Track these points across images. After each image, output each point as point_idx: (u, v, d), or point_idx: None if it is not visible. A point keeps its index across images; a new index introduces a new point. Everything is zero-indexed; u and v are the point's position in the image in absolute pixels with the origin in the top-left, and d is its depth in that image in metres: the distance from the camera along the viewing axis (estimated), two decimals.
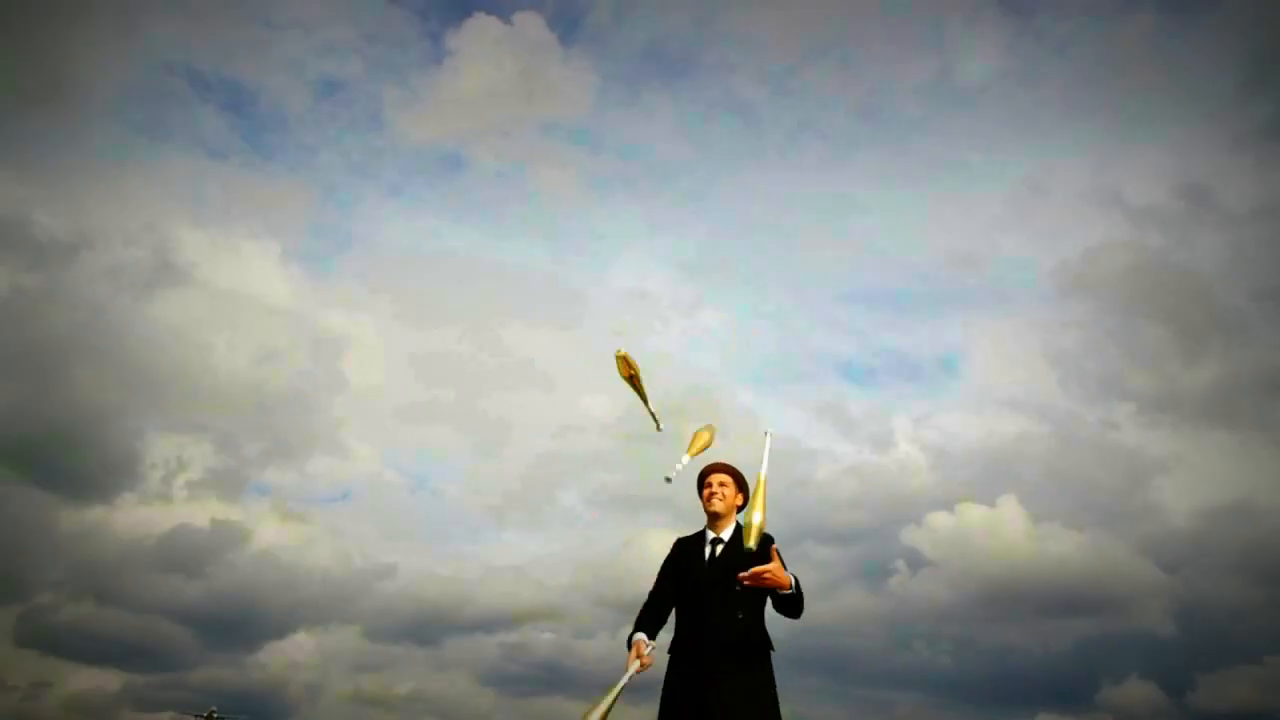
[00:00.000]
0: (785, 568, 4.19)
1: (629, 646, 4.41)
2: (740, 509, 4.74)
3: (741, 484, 4.76)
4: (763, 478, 4.49)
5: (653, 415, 4.95)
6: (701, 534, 4.69)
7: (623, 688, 4.07)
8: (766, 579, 4.06)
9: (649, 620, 4.57)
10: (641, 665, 4.24)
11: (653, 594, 4.66)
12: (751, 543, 4.23)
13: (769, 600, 4.33)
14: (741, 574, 4.06)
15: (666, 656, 4.46)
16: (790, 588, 4.16)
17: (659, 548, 4.88)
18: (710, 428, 4.95)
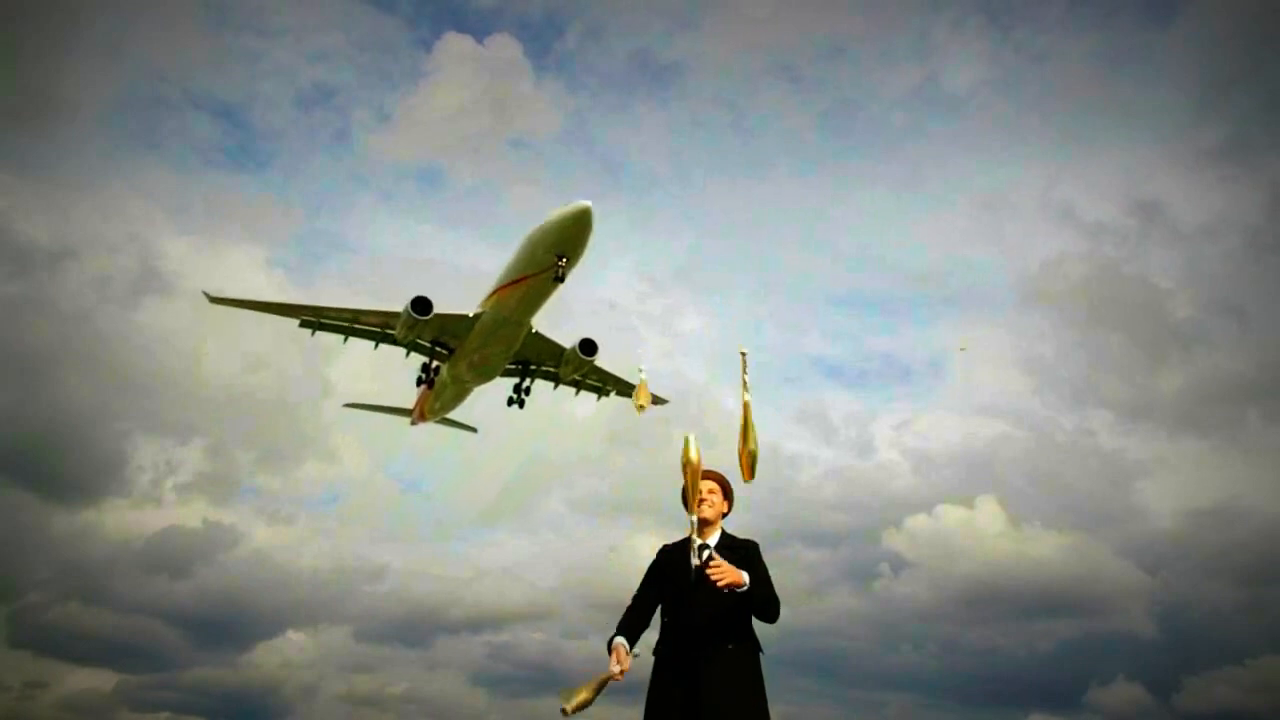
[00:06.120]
0: (761, 571, 4.96)
1: (609, 650, 5.00)
2: (726, 515, 5.33)
3: (728, 492, 5.34)
4: (747, 400, 5.09)
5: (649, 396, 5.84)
6: (687, 541, 5.15)
7: (603, 682, 4.73)
8: (722, 577, 4.68)
9: (631, 624, 5.12)
10: (621, 671, 4.82)
11: (636, 598, 5.22)
12: (750, 477, 5.11)
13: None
14: (708, 569, 4.73)
15: (652, 658, 5.00)
16: (744, 585, 4.76)
17: (645, 551, 5.28)
18: None
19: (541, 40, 74.33)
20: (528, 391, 26.51)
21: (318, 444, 54.49)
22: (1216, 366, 53.77)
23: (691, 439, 5.04)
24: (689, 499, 5.06)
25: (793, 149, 72.11)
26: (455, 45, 67.00)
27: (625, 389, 27.28)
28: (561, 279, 21.14)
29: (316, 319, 24.90)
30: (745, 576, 4.76)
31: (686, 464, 5.04)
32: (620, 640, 5.01)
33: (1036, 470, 53.35)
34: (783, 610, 5.05)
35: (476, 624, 47.53)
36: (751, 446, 5.16)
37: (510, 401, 26.80)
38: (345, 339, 25.32)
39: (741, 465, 5.25)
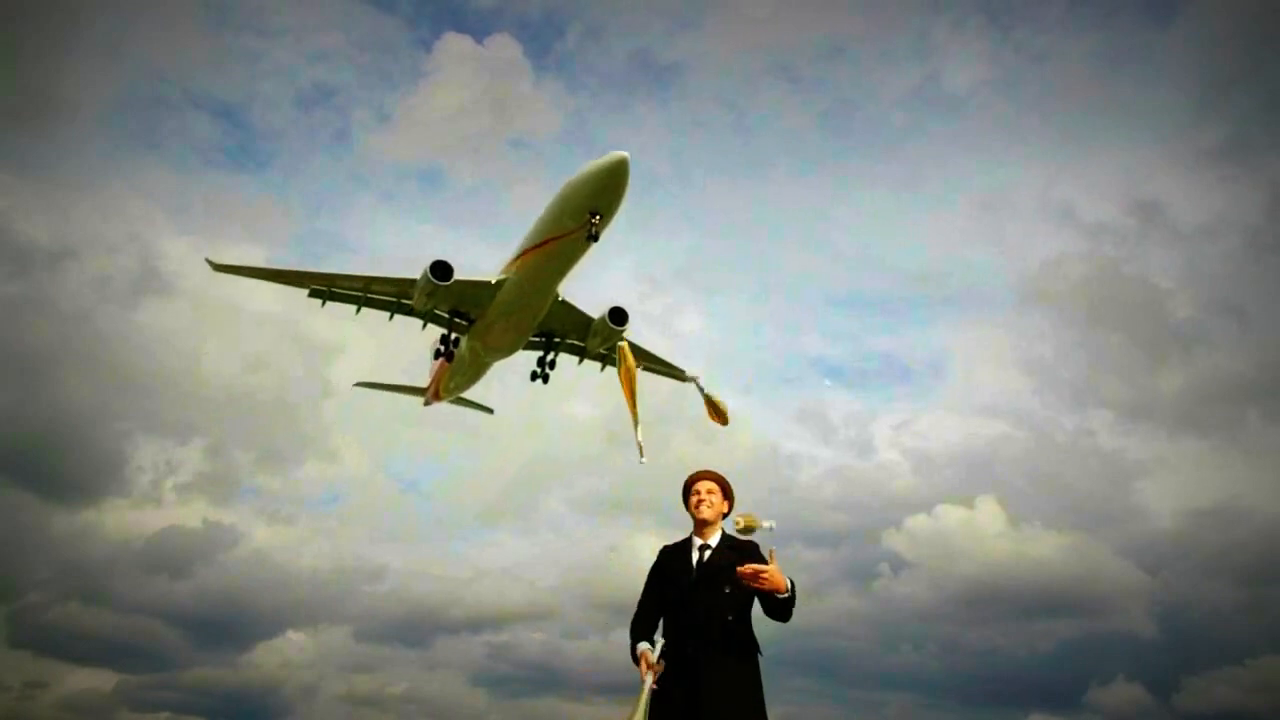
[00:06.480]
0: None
1: (635, 660, 5.04)
2: (726, 516, 5.31)
3: (728, 492, 5.35)
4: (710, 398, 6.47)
5: (639, 445, 5.79)
6: (688, 541, 5.29)
7: (649, 699, 4.71)
8: (764, 579, 4.65)
9: (643, 628, 5.17)
10: (655, 677, 4.82)
11: (642, 602, 5.27)
12: (728, 420, 6.01)
13: (758, 603, 4.91)
14: (741, 569, 4.66)
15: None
16: (787, 591, 4.77)
17: (645, 551, 5.32)
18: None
19: (541, 40, 73.94)
20: (552, 365, 24.92)
21: (318, 444, 54.67)
22: (1216, 366, 53.95)
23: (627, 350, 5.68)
24: (631, 408, 5.60)
25: (793, 149, 72.12)
26: (455, 45, 67.17)
27: (654, 364, 25.75)
28: (595, 238, 19.55)
29: (327, 288, 23.27)
30: (788, 582, 4.79)
31: (625, 372, 5.47)
32: (644, 646, 5.04)
33: (1036, 470, 53.34)
34: None
35: (476, 624, 47.34)
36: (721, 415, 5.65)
37: (534, 376, 25.22)
38: (358, 309, 23.69)
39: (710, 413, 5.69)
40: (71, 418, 46.90)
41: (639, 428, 6.50)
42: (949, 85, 68.05)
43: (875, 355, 69.41)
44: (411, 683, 44.01)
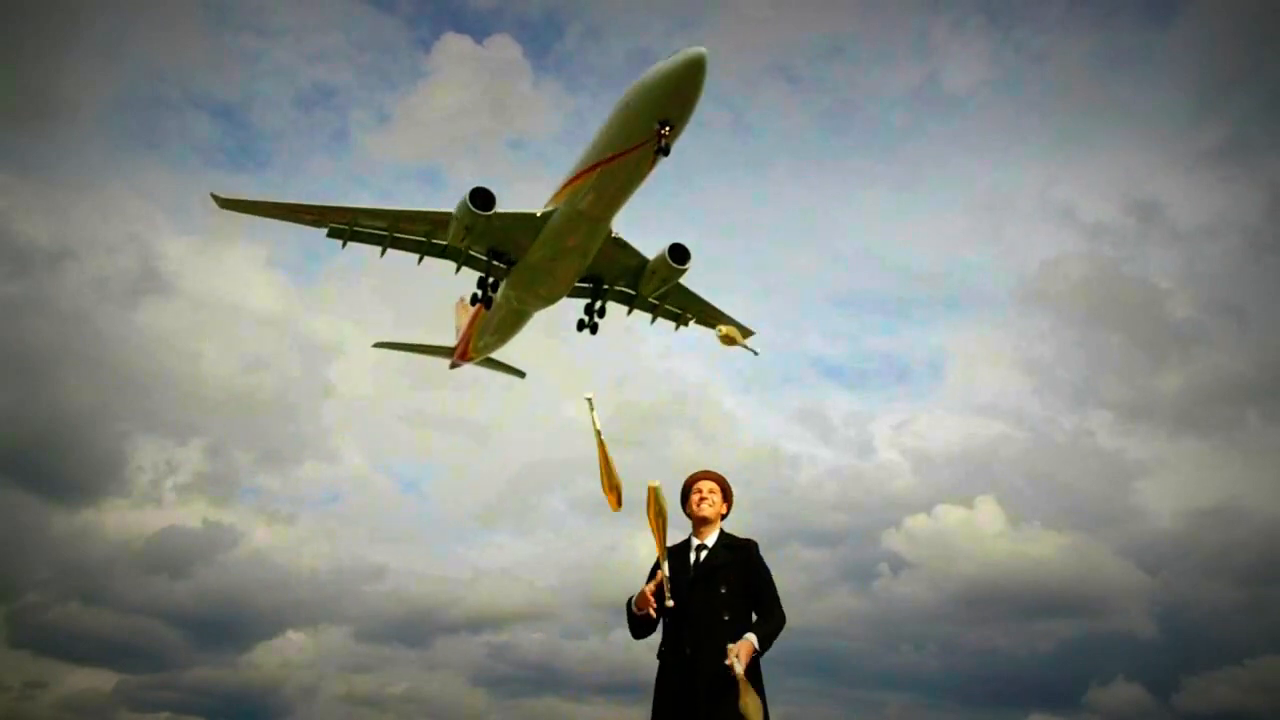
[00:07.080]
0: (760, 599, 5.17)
1: (635, 617, 5.28)
2: (725, 516, 5.45)
3: (728, 492, 5.47)
4: (602, 442, 5.51)
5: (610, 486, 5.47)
6: (686, 542, 5.39)
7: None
8: (745, 659, 4.77)
9: (642, 628, 5.29)
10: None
11: None
12: (617, 507, 5.53)
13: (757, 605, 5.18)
14: (735, 673, 4.72)
15: (656, 661, 5.15)
16: (757, 649, 4.91)
17: (645, 551, 5.30)
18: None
19: (541, 41, 73.07)
20: (601, 313, 22.30)
21: (318, 444, 53.90)
22: (1216, 366, 53.12)
23: (659, 489, 5.15)
24: (658, 545, 5.17)
25: (793, 149, 71.39)
26: (455, 45, 66.62)
27: (708, 316, 23.18)
28: (666, 151, 16.95)
29: (349, 225, 20.64)
30: (754, 640, 4.90)
31: (657, 514, 5.13)
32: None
33: (1036, 470, 52.51)
34: (782, 610, 5.21)
35: (476, 624, 46.48)
36: (615, 482, 5.37)
37: (581, 325, 22.59)
38: (383, 251, 21.08)
39: (608, 496, 5.38)
40: (71, 418, 46.44)
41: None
42: (949, 85, 67.79)
43: (875, 355, 69.14)
44: (411, 683, 43.30)
